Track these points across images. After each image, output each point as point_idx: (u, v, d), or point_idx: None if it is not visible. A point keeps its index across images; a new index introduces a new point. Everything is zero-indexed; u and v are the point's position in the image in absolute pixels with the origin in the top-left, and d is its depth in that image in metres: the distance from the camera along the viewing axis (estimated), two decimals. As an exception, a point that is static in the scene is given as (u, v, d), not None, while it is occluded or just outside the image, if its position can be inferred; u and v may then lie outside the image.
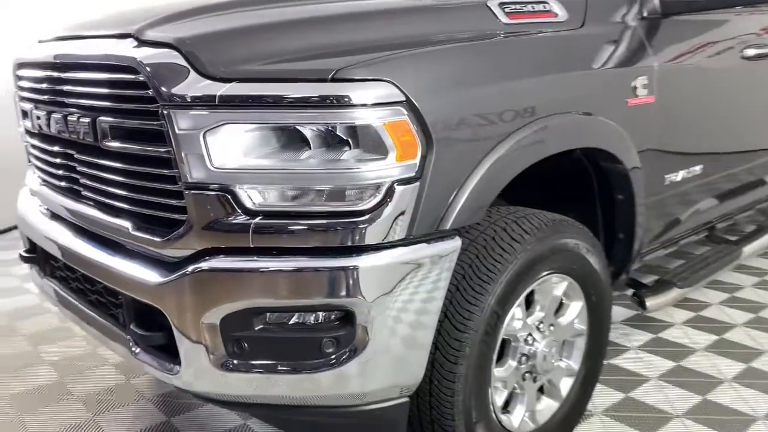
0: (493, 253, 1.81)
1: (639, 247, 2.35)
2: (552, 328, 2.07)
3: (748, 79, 2.71)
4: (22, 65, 2.16)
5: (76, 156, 1.90)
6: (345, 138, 1.51)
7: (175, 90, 1.52)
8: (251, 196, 1.53)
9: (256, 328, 1.58)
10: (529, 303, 2.01)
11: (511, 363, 1.97)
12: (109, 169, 1.76)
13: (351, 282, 1.53)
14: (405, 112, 1.52)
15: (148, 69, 1.56)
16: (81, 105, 1.80)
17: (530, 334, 2.00)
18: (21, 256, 2.32)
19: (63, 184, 2.02)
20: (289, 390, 1.60)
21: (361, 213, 1.52)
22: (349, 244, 1.53)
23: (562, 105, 1.87)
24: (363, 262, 1.53)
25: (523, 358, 1.99)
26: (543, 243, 1.89)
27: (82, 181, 1.91)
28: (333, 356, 1.57)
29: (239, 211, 1.53)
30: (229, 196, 1.53)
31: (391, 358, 1.62)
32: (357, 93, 1.48)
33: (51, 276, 2.23)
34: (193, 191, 1.54)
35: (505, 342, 1.96)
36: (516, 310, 1.92)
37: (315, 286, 1.53)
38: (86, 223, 1.92)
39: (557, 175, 2.29)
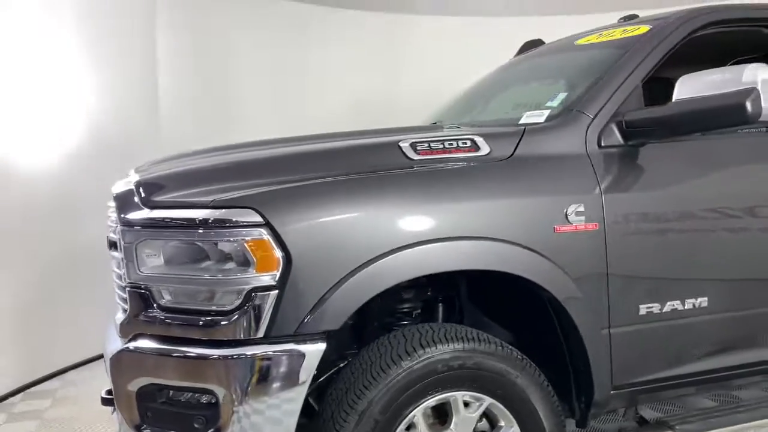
0: (374, 366, 2.00)
1: (604, 381, 2.25)
2: (469, 448, 2.10)
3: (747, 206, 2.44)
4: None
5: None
6: (219, 251, 1.91)
7: (124, 215, 2.09)
8: (162, 294, 2.00)
9: (159, 401, 1.99)
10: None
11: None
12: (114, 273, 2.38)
13: (212, 369, 1.88)
14: (265, 233, 1.88)
15: (116, 200, 2.17)
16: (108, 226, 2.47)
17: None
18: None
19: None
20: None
21: (225, 313, 1.89)
22: (216, 337, 1.90)
23: (450, 230, 2.03)
24: (222, 352, 1.88)
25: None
26: (431, 363, 2.00)
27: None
28: (201, 432, 1.91)
29: (153, 305, 2.00)
30: (148, 294, 2.01)
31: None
32: (225, 216, 1.89)
33: None
34: (129, 288, 2.06)
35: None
36: (417, 421, 2.03)
37: (187, 370, 1.91)
38: None
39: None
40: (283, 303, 1.89)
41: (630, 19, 2.94)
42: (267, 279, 1.89)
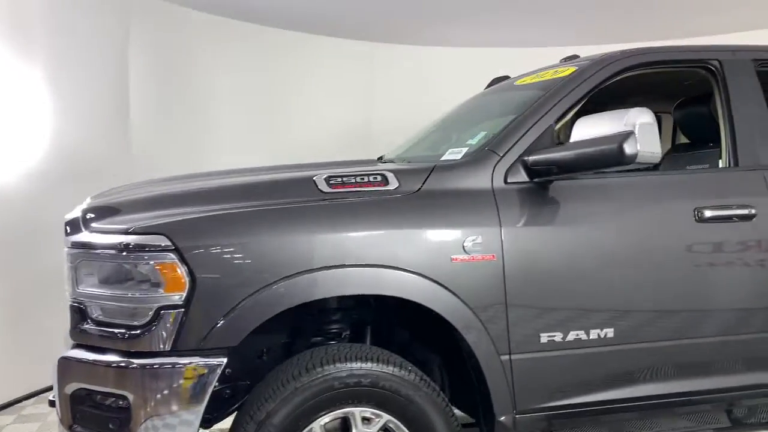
0: (276, 381, 2.21)
1: (505, 405, 2.38)
2: (369, 463, 2.26)
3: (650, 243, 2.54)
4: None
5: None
6: (137, 272, 2.17)
7: (70, 238, 2.38)
8: (94, 310, 2.26)
9: (87, 404, 2.24)
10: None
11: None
12: None
13: (124, 376, 2.12)
14: (173, 257, 2.13)
15: (66, 225, 2.46)
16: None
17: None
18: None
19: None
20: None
21: (137, 327, 2.14)
22: (132, 349, 2.14)
23: (349, 257, 2.22)
24: (133, 362, 2.12)
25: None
26: (327, 380, 2.20)
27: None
28: (115, 432, 2.15)
29: (87, 319, 2.27)
30: (84, 309, 2.28)
31: (157, 445, 2.12)
32: (140, 242, 2.15)
33: None
34: (71, 304, 2.34)
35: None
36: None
37: (106, 377, 2.16)
38: None
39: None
40: (188, 320, 2.12)
41: (571, 59, 3.07)
42: (174, 298, 2.12)
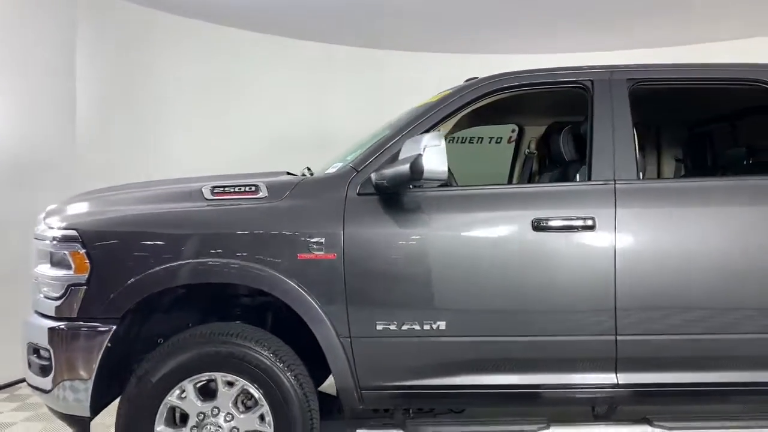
0: (160, 347, 2.84)
1: (347, 381, 2.82)
2: (229, 416, 2.82)
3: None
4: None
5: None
6: (59, 257, 2.89)
7: (36, 231, 3.17)
8: (40, 285, 3.02)
9: (33, 354, 3.01)
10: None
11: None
12: None
13: (45, 334, 2.85)
14: (80, 247, 2.82)
15: (37, 220, 3.25)
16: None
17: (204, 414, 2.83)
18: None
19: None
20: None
21: (58, 299, 2.86)
22: (54, 315, 2.87)
23: (208, 253, 2.80)
24: (51, 325, 2.85)
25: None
26: (192, 347, 2.78)
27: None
28: (44, 377, 2.88)
29: (40, 293, 3.03)
30: (38, 285, 3.05)
31: (68, 389, 2.82)
32: (61, 235, 2.87)
33: None
34: (33, 280, 3.12)
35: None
36: (187, 390, 2.82)
37: (37, 335, 2.91)
38: None
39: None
40: (88, 295, 2.81)
41: (471, 80, 3.38)
42: (80, 278, 2.82)
